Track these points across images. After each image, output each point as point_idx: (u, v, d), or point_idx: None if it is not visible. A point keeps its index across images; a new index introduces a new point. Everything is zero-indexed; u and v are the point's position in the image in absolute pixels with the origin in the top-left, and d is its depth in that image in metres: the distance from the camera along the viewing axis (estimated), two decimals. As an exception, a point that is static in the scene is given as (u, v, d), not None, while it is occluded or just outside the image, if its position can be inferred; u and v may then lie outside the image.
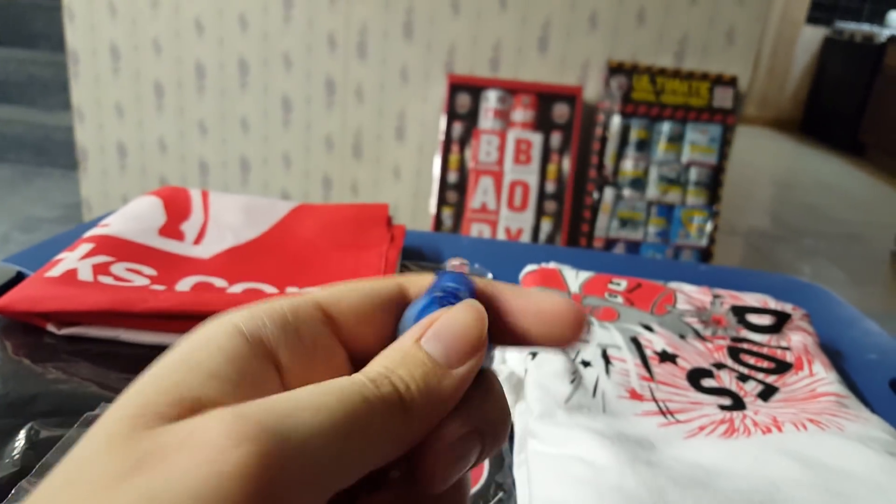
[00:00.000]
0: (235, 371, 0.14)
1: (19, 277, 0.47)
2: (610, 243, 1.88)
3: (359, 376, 0.15)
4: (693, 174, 1.84)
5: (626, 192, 1.85)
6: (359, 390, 0.14)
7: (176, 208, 0.55)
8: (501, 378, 0.44)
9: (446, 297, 0.18)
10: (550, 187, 1.86)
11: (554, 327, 0.18)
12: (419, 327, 0.17)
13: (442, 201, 1.88)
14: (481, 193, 1.85)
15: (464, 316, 0.17)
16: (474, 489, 0.36)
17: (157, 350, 0.44)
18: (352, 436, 0.13)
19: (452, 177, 1.87)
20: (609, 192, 1.85)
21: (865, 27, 4.31)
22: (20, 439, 0.34)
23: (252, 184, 2.05)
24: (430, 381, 0.15)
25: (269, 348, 0.16)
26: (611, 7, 1.81)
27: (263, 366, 0.15)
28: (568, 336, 0.18)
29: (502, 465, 0.38)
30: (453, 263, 0.21)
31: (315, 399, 0.14)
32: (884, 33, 4.05)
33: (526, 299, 0.18)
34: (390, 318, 0.18)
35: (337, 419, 0.13)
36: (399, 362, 0.16)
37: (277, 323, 0.16)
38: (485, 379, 0.18)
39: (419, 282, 0.19)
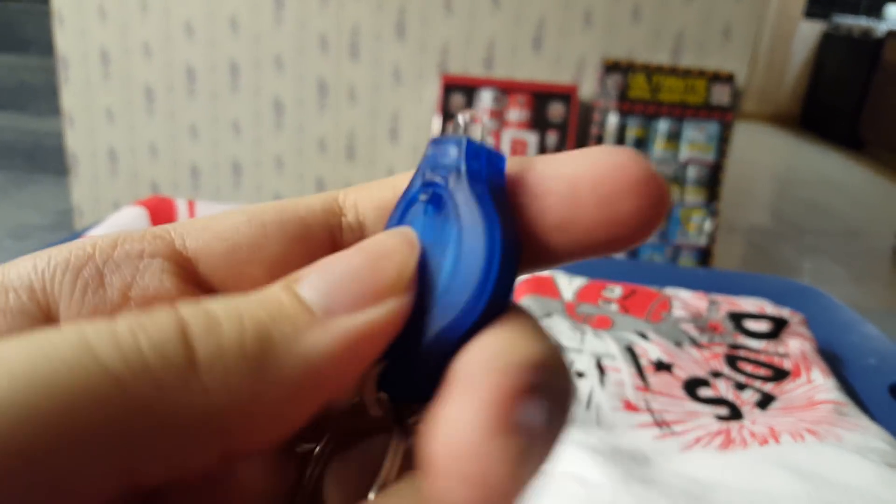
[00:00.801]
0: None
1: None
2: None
3: (98, 319, 0.09)
4: (691, 172, 1.83)
5: (624, 190, 1.85)
6: (74, 336, 0.08)
7: (161, 219, 0.54)
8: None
9: (434, 189, 0.11)
10: (547, 187, 1.86)
11: (612, 197, 0.10)
12: (306, 268, 0.11)
13: (438, 202, 1.87)
14: (478, 194, 1.84)
15: (377, 243, 0.11)
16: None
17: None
18: (55, 438, 0.07)
19: (449, 177, 1.86)
20: (606, 191, 1.85)
21: (863, 21, 4.30)
22: None
23: (244, 187, 2.04)
24: (274, 329, 0.09)
25: (50, 307, 0.11)
26: (605, 4, 1.80)
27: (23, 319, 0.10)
28: (633, 216, 0.10)
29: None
30: (460, 119, 0.11)
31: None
32: (882, 27, 4.04)
33: (562, 163, 0.11)
34: (323, 250, 0.12)
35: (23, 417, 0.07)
36: (225, 301, 0.10)
37: (68, 265, 0.11)
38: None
39: (365, 187, 0.13)
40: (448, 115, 1.83)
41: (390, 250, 0.11)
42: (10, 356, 0.08)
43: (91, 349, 0.08)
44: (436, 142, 0.12)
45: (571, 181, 0.11)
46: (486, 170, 0.11)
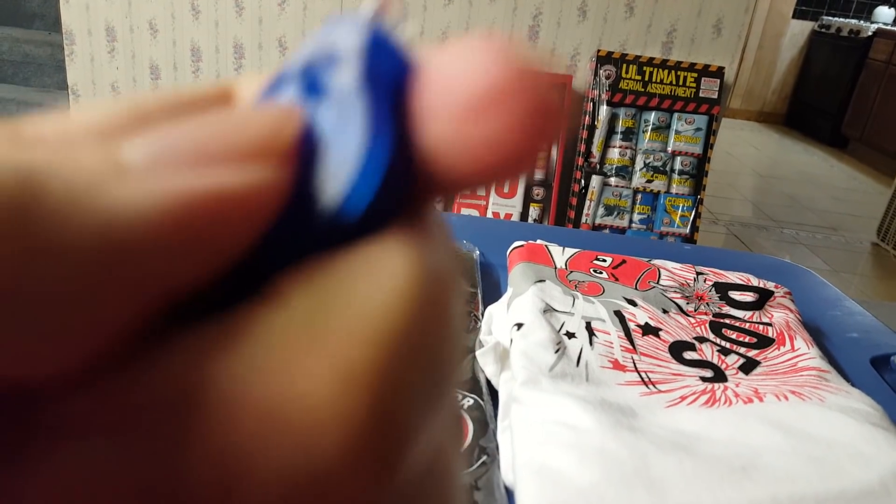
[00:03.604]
0: None
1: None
2: (595, 230, 1.89)
3: None
4: (678, 163, 1.86)
5: (613, 179, 1.86)
6: None
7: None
8: (487, 348, 0.44)
9: (315, 73, 0.09)
10: (538, 174, 1.87)
11: (464, 122, 0.08)
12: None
13: (429, 187, 1.89)
14: (469, 180, 1.86)
15: (245, 113, 0.09)
16: (459, 454, 0.36)
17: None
18: None
19: (440, 163, 1.88)
20: (596, 180, 1.86)
21: (853, 21, 4.34)
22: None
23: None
24: (78, 176, 0.07)
25: None
26: (600, -5, 1.81)
27: None
28: (490, 144, 0.08)
29: (486, 430, 0.38)
30: (366, 4, 0.08)
31: None
32: (870, 27, 4.08)
33: (439, 62, 0.09)
34: None
35: None
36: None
37: None
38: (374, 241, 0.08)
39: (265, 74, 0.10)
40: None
41: (264, 118, 0.08)
42: None
43: None
44: (339, 21, 0.09)
45: (434, 91, 0.08)
46: (387, 63, 0.09)
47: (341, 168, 0.08)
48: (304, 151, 0.08)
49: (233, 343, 0.07)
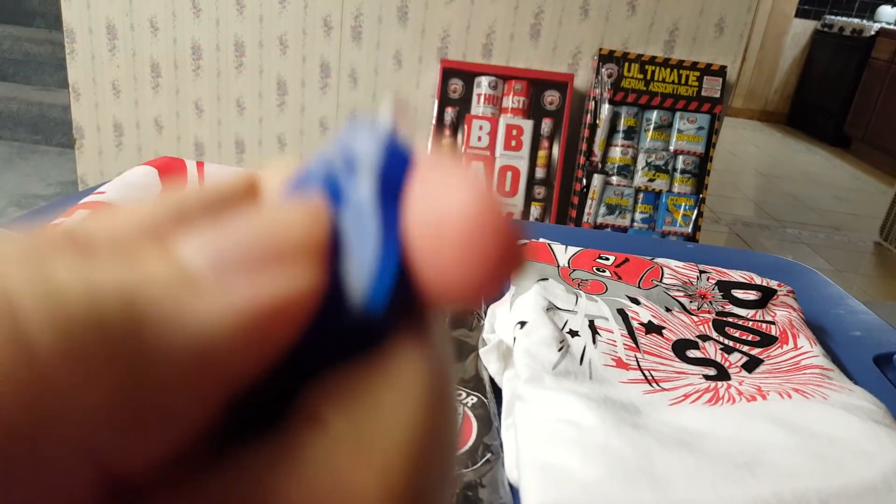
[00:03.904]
0: None
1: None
2: (597, 229, 1.89)
3: None
4: (680, 162, 1.86)
5: (614, 178, 1.87)
6: None
7: (172, 178, 0.55)
8: (490, 346, 0.45)
9: (336, 177, 0.09)
10: (540, 173, 1.87)
11: (441, 251, 0.09)
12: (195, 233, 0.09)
13: (432, 186, 1.89)
14: (471, 179, 1.86)
15: (276, 212, 0.09)
16: (462, 450, 0.37)
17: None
18: None
19: (443, 162, 1.87)
20: (597, 179, 1.87)
21: (855, 21, 4.33)
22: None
23: (247, 165, 2.04)
24: (140, 290, 0.07)
25: None
26: (603, -6, 1.81)
27: None
28: (461, 277, 0.09)
29: (490, 428, 0.38)
30: (385, 112, 0.09)
31: None
32: (873, 27, 4.07)
33: (432, 188, 0.09)
34: None
35: None
36: (82, 266, 0.07)
37: None
38: (387, 346, 0.09)
39: (286, 167, 0.11)
40: (447, 99, 1.84)
41: (294, 218, 0.09)
42: None
43: None
44: (358, 126, 0.10)
45: (422, 215, 0.09)
46: (400, 178, 0.09)
47: (363, 271, 0.09)
48: (332, 252, 0.09)
49: (287, 465, 0.08)
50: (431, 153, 0.10)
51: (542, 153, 1.86)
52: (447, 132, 1.86)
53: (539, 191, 1.88)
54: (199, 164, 0.57)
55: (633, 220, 1.88)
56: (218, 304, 0.08)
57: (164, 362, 0.07)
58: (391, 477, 0.08)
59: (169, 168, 0.56)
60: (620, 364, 0.44)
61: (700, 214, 1.87)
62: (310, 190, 0.10)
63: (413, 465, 0.09)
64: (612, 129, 1.85)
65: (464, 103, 1.85)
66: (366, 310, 0.09)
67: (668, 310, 0.50)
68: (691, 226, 1.87)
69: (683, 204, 1.86)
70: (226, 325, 0.08)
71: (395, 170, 0.09)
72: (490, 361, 0.44)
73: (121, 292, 0.07)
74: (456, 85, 1.84)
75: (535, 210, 1.88)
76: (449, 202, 0.09)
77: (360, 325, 0.09)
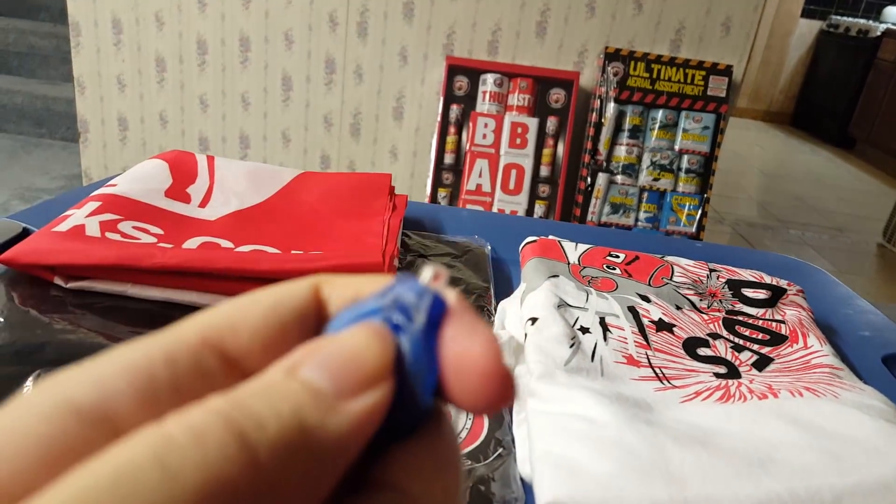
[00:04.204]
0: (47, 462, 0.10)
1: (25, 234, 0.47)
2: (601, 228, 1.89)
3: (155, 433, 0.10)
4: (685, 162, 1.86)
5: (619, 177, 1.86)
6: (150, 462, 0.09)
7: (182, 171, 0.55)
8: (500, 343, 0.45)
9: (395, 314, 0.14)
10: (545, 171, 1.87)
11: (467, 383, 0.13)
12: (299, 354, 0.12)
13: (438, 182, 1.88)
14: (476, 175, 1.85)
15: (359, 335, 0.13)
16: (474, 445, 0.37)
17: (164, 306, 0.44)
18: None
19: (448, 158, 1.87)
20: (602, 178, 1.86)
21: (861, 21, 4.32)
22: (28, 386, 0.34)
23: (251, 160, 2.02)
24: (308, 417, 0.11)
25: (116, 426, 0.11)
26: (609, -8, 1.81)
27: (102, 447, 0.10)
28: (477, 401, 0.13)
29: (502, 423, 0.39)
30: (427, 272, 0.15)
31: None
32: (879, 27, 4.06)
33: (463, 337, 0.14)
34: (308, 337, 0.14)
35: None
36: (256, 394, 0.11)
37: (133, 386, 0.11)
38: (430, 432, 0.14)
39: (343, 284, 0.15)
40: (452, 96, 1.84)
41: (373, 340, 0.13)
42: (109, 498, 0.09)
43: (171, 473, 0.09)
44: (408, 279, 0.14)
45: (457, 355, 0.13)
46: (438, 319, 0.14)
47: (419, 380, 0.13)
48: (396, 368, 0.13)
49: None
50: (461, 308, 0.14)
51: (546, 151, 1.86)
52: (452, 130, 1.86)
53: (543, 189, 1.87)
54: (210, 159, 0.57)
55: (637, 220, 1.88)
56: (346, 418, 0.11)
57: (322, 457, 0.11)
58: None
59: (179, 162, 0.56)
60: (631, 361, 0.44)
61: (704, 214, 1.87)
62: (374, 320, 0.14)
63: None
64: (618, 128, 1.84)
65: (469, 100, 1.85)
66: (421, 403, 0.13)
67: (678, 308, 0.50)
68: (695, 226, 1.86)
69: (688, 203, 1.86)
70: (350, 431, 0.11)
71: (436, 314, 0.14)
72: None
73: (295, 418, 0.11)
74: (461, 82, 1.84)
75: (539, 208, 1.88)
76: (473, 349, 0.13)
77: (416, 413, 0.13)
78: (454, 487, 0.13)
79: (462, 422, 0.38)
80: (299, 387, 0.11)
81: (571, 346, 0.43)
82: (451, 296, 0.14)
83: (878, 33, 4.03)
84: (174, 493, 0.09)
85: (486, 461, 0.35)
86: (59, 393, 0.11)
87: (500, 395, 0.13)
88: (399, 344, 0.13)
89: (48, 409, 0.11)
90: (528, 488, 0.34)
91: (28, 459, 0.10)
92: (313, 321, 0.14)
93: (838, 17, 4.49)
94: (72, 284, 0.42)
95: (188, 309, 0.42)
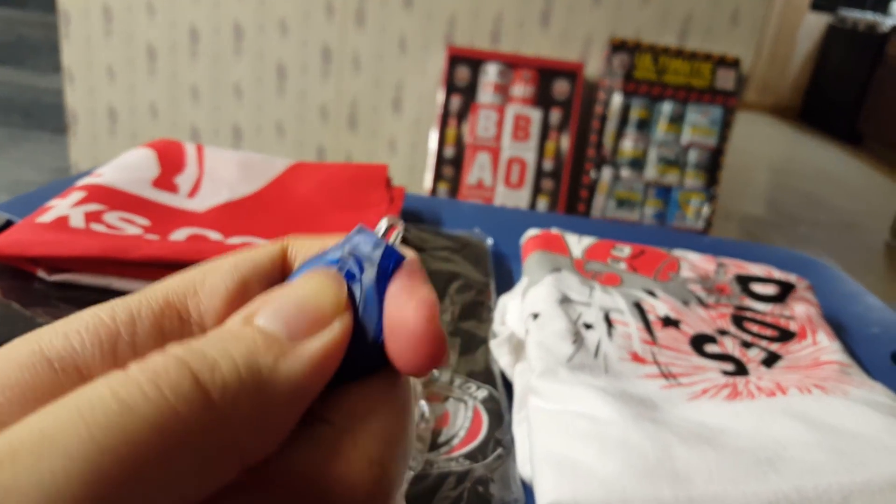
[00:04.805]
0: (22, 405, 0.12)
1: (8, 225, 0.46)
2: (606, 221, 1.88)
3: (116, 374, 0.11)
4: (692, 156, 1.83)
5: (625, 172, 1.84)
6: (108, 400, 0.10)
7: (170, 161, 0.53)
8: (501, 339, 0.43)
9: (349, 264, 0.14)
10: (548, 165, 1.85)
11: (399, 342, 0.14)
12: (254, 303, 0.13)
13: (438, 176, 1.87)
14: (478, 169, 1.84)
15: (311, 280, 0.14)
16: (472, 444, 0.35)
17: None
18: (97, 482, 0.09)
19: (449, 151, 1.85)
20: (607, 172, 1.84)
21: (869, 16, 4.28)
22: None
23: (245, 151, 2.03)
24: (260, 360, 0.12)
25: (83, 374, 0.13)
26: (615, -17, 1.78)
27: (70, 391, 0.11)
28: (405, 361, 0.14)
29: (502, 422, 0.37)
30: (382, 223, 0.15)
31: (32, 441, 0.09)
32: (887, 22, 4.02)
33: (399, 297, 0.14)
34: None
35: (66, 467, 0.09)
36: (211, 341, 0.12)
37: (98, 343, 0.13)
38: (374, 377, 0.14)
39: (310, 245, 0.16)
40: (453, 87, 1.82)
41: (324, 284, 0.14)
42: (72, 425, 0.10)
43: (131, 409, 0.10)
44: (363, 231, 0.15)
45: (391, 314, 0.14)
46: (390, 270, 0.15)
47: (368, 329, 0.14)
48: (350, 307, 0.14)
49: (307, 449, 0.13)
50: (412, 264, 0.15)
51: (550, 144, 1.84)
52: (453, 121, 1.84)
53: (547, 183, 1.86)
54: (199, 148, 0.56)
55: (642, 215, 1.86)
56: (302, 360, 0.12)
57: (278, 398, 0.12)
58: (376, 469, 0.13)
59: (167, 151, 0.54)
60: (636, 358, 0.42)
61: (712, 210, 1.85)
62: (329, 267, 0.14)
63: (390, 461, 0.13)
64: (623, 121, 1.82)
65: (470, 91, 1.83)
66: (369, 352, 0.14)
67: (685, 303, 0.49)
68: (703, 222, 1.84)
69: (694, 199, 1.84)
70: (308, 372, 0.12)
71: (387, 266, 0.15)
72: (501, 354, 0.43)
73: (247, 362, 0.11)
74: (462, 72, 1.82)
75: (542, 203, 1.86)
76: (406, 310, 0.14)
77: (366, 362, 0.14)
78: (393, 431, 0.14)
79: (460, 421, 0.37)
80: (252, 332, 0.12)
81: (574, 343, 0.41)
82: (406, 251, 0.15)
83: (886, 29, 3.99)
84: (130, 424, 0.10)
85: (485, 461, 0.34)
86: (35, 346, 0.13)
87: (428, 358, 0.14)
88: (351, 291, 0.14)
89: (25, 359, 0.12)
90: (528, 490, 0.33)
91: (8, 403, 0.12)
92: (278, 279, 0.15)
93: (846, 12, 4.45)
94: (55, 277, 0.41)
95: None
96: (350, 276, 0.14)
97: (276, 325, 0.12)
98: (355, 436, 0.13)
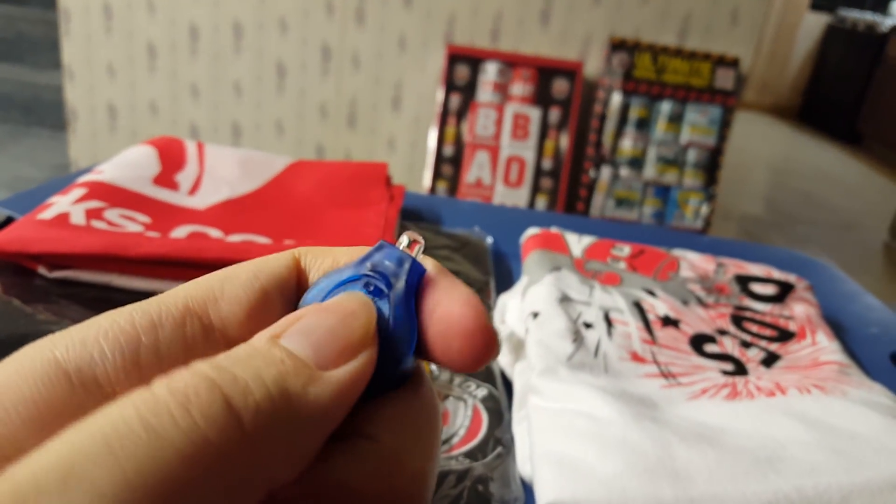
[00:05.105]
0: (37, 423, 0.11)
1: (9, 222, 0.46)
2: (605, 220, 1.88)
3: (143, 395, 0.10)
4: (691, 155, 1.83)
5: (624, 171, 1.84)
6: (137, 428, 0.09)
7: (171, 158, 0.53)
8: (501, 337, 0.43)
9: (375, 280, 0.14)
10: (547, 164, 1.85)
11: (452, 341, 0.14)
12: (282, 322, 0.13)
13: (437, 174, 1.86)
14: (477, 168, 1.84)
15: (342, 305, 0.13)
16: (472, 443, 0.35)
17: (150, 296, 0.42)
18: None
19: (448, 150, 1.85)
20: (606, 171, 1.84)
21: (868, 16, 4.28)
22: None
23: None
24: (290, 384, 0.11)
25: (103, 389, 0.12)
26: (615, -18, 1.78)
27: (91, 408, 0.11)
28: (463, 358, 0.14)
29: (501, 421, 0.37)
30: (403, 239, 0.15)
31: (56, 467, 0.09)
32: (887, 23, 4.03)
33: (443, 298, 0.14)
34: (289, 305, 0.15)
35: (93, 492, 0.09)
36: (240, 360, 0.11)
37: (120, 351, 0.12)
38: (407, 391, 0.14)
39: (322, 256, 0.15)
40: (452, 85, 1.82)
41: (356, 310, 0.13)
42: (100, 457, 0.09)
43: (161, 437, 0.09)
44: (385, 246, 0.15)
45: (439, 317, 0.14)
46: (416, 284, 0.14)
47: (400, 344, 0.14)
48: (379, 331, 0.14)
49: (354, 467, 0.13)
50: (439, 272, 0.15)
51: (549, 143, 1.84)
52: (452, 120, 1.84)
53: (546, 182, 1.86)
54: (200, 145, 0.56)
55: (641, 215, 1.86)
56: (332, 386, 0.12)
57: (306, 423, 0.11)
58: (419, 483, 0.13)
59: (168, 148, 0.54)
60: (636, 357, 0.42)
61: (711, 210, 1.85)
62: (354, 287, 0.14)
63: (429, 473, 0.14)
64: (623, 120, 1.82)
65: (469, 90, 1.83)
66: (402, 365, 0.14)
67: (684, 303, 0.49)
68: (701, 221, 1.85)
69: (693, 198, 1.84)
70: (332, 398, 0.12)
71: (413, 279, 0.14)
72: (501, 353, 0.43)
73: (278, 386, 0.11)
74: (462, 71, 1.82)
75: (541, 202, 1.86)
76: (454, 309, 0.14)
77: (397, 374, 0.14)
78: (430, 443, 0.14)
79: (460, 420, 0.37)
80: (281, 355, 0.12)
81: (574, 342, 0.41)
82: (428, 262, 0.15)
83: (886, 29, 3.99)
84: (160, 454, 0.09)
85: (485, 460, 0.34)
86: (50, 356, 0.12)
87: (484, 352, 0.14)
88: (380, 309, 0.14)
89: (40, 372, 0.11)
90: (528, 488, 0.33)
91: (21, 421, 0.11)
92: (294, 290, 0.15)
93: (845, 12, 4.45)
94: (56, 274, 0.41)
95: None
96: (376, 293, 0.14)
97: (305, 350, 0.12)
98: (400, 453, 0.13)
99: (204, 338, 0.13)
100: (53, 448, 0.09)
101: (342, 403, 0.12)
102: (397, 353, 0.14)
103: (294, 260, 0.15)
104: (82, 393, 0.12)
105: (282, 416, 0.11)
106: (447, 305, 0.14)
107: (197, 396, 0.10)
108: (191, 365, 0.11)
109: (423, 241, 0.15)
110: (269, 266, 0.15)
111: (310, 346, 0.12)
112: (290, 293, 0.15)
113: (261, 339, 0.12)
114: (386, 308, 0.14)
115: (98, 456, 0.09)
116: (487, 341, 0.14)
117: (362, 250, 0.15)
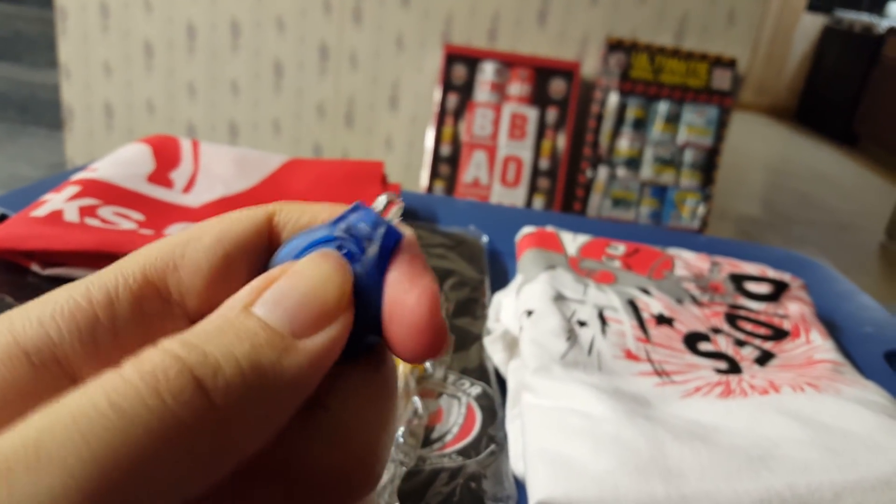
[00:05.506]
0: (1, 404, 0.11)
1: (2, 219, 0.46)
2: (601, 220, 1.88)
3: (112, 379, 0.10)
4: (688, 156, 1.84)
5: (621, 171, 1.85)
6: (106, 410, 0.09)
7: (165, 156, 0.53)
8: (495, 336, 0.43)
9: (348, 243, 0.14)
10: (544, 164, 1.85)
11: (402, 329, 0.13)
12: (254, 286, 0.12)
13: (434, 174, 1.86)
14: (474, 168, 1.84)
15: (317, 268, 0.13)
16: (465, 441, 0.35)
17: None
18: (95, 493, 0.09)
19: (445, 150, 1.85)
20: (603, 171, 1.85)
21: (865, 17, 4.29)
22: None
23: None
24: (263, 357, 0.11)
25: (65, 368, 0.12)
26: (612, -18, 1.78)
27: (52, 388, 0.11)
28: (406, 350, 0.13)
29: (495, 419, 0.37)
30: (381, 200, 0.15)
31: (25, 451, 0.09)
32: (883, 24, 4.04)
33: (401, 283, 0.14)
34: (256, 269, 0.14)
35: (63, 477, 0.09)
36: (212, 336, 0.11)
37: (76, 329, 0.12)
38: (370, 363, 0.14)
39: (298, 210, 0.15)
40: (449, 85, 1.82)
41: (331, 274, 0.13)
42: (69, 438, 0.09)
43: (132, 419, 0.09)
44: (361, 208, 0.14)
45: (393, 300, 0.14)
46: (390, 248, 0.14)
47: (367, 310, 0.14)
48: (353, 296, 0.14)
49: (308, 434, 0.13)
50: (410, 246, 0.14)
51: (546, 143, 1.84)
52: (449, 120, 1.84)
53: (543, 182, 1.86)
54: (195, 143, 0.56)
55: (638, 215, 1.86)
56: (305, 355, 0.12)
57: (279, 395, 0.11)
58: (371, 455, 0.13)
59: (163, 146, 0.54)
60: (630, 356, 0.42)
61: (708, 210, 1.85)
62: (331, 251, 0.14)
63: (382, 446, 0.13)
64: (620, 120, 1.82)
65: (467, 90, 1.83)
66: (367, 332, 0.14)
67: (679, 301, 0.49)
68: (698, 221, 1.85)
69: (690, 199, 1.85)
70: (311, 366, 0.12)
71: (388, 245, 0.14)
72: (495, 351, 0.43)
73: (250, 360, 0.11)
74: (459, 70, 1.82)
75: (538, 202, 1.87)
76: (408, 298, 0.13)
77: (362, 341, 0.14)
78: (384, 418, 0.14)
79: (454, 417, 0.37)
80: (254, 325, 0.12)
81: (568, 340, 0.41)
82: (405, 229, 0.14)
83: (882, 31, 4.00)
84: (129, 431, 0.09)
85: (478, 457, 0.34)
86: (8, 336, 0.12)
87: (428, 348, 0.13)
88: (353, 273, 0.13)
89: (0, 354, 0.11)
90: (521, 486, 0.33)
91: None
92: (264, 249, 0.14)
93: (842, 14, 4.46)
94: (49, 271, 0.41)
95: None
96: (349, 256, 0.13)
97: (280, 318, 0.12)
98: (353, 424, 0.13)
99: (162, 309, 0.13)
100: (22, 430, 0.09)
101: (316, 373, 0.12)
102: (366, 317, 0.13)
103: (266, 218, 0.15)
104: (44, 372, 0.12)
105: (254, 391, 0.11)
106: (404, 292, 0.13)
107: (166, 378, 0.10)
108: (159, 343, 0.11)
109: (401, 203, 0.15)
110: (236, 227, 0.14)
111: (284, 313, 0.12)
112: (259, 252, 0.14)
113: (233, 308, 0.12)
114: (357, 272, 0.13)
115: (67, 437, 0.09)
116: (434, 339, 0.13)
117: (343, 208, 0.14)
